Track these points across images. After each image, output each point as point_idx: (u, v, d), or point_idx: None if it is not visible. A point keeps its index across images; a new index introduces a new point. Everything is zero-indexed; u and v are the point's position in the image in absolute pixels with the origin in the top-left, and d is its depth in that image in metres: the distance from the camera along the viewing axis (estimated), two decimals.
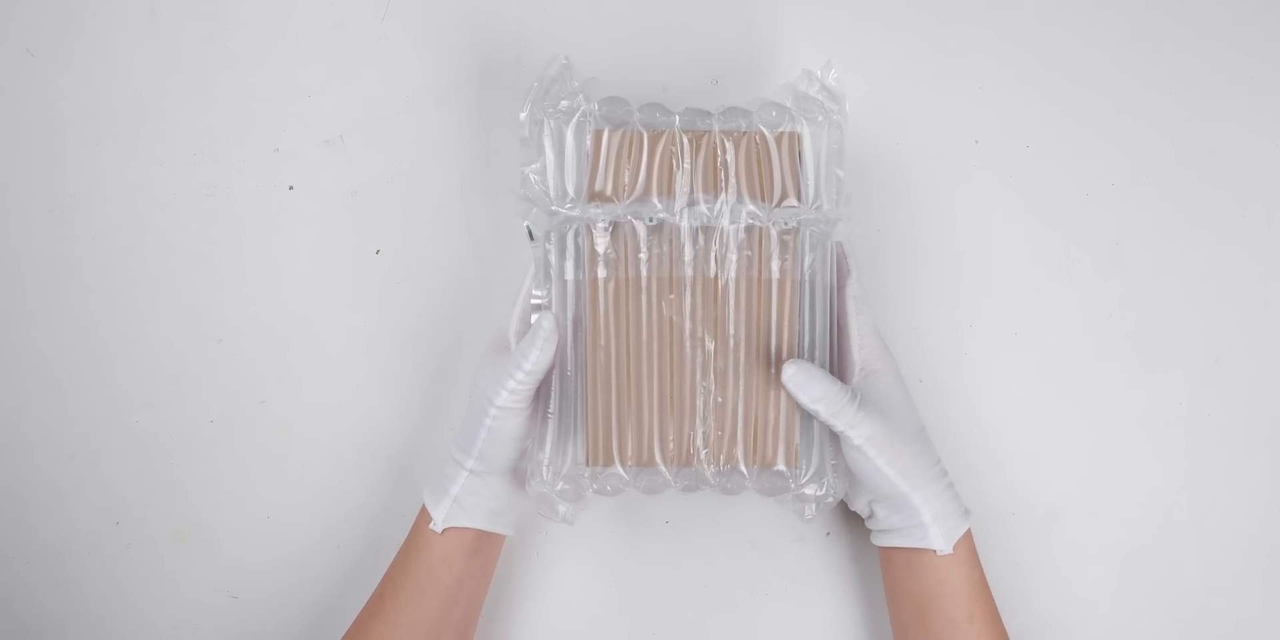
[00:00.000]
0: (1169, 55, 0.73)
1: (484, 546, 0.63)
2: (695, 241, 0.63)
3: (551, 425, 0.62)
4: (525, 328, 0.63)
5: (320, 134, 0.71)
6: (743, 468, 0.63)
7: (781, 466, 0.62)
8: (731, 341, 0.63)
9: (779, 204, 0.63)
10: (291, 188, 0.71)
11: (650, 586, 0.69)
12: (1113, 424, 0.71)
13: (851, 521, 0.70)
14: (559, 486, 0.62)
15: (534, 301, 0.63)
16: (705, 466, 0.63)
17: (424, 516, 0.62)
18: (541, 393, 0.62)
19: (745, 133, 0.63)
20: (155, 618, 0.69)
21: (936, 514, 0.60)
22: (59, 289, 0.70)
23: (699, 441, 0.63)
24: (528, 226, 0.63)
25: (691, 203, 0.62)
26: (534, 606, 0.69)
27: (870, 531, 0.64)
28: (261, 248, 0.70)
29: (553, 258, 0.63)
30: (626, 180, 0.62)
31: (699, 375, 0.63)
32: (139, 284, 0.70)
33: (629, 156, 0.63)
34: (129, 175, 0.70)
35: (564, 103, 0.63)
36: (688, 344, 0.63)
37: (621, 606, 0.69)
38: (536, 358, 0.59)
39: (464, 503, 0.61)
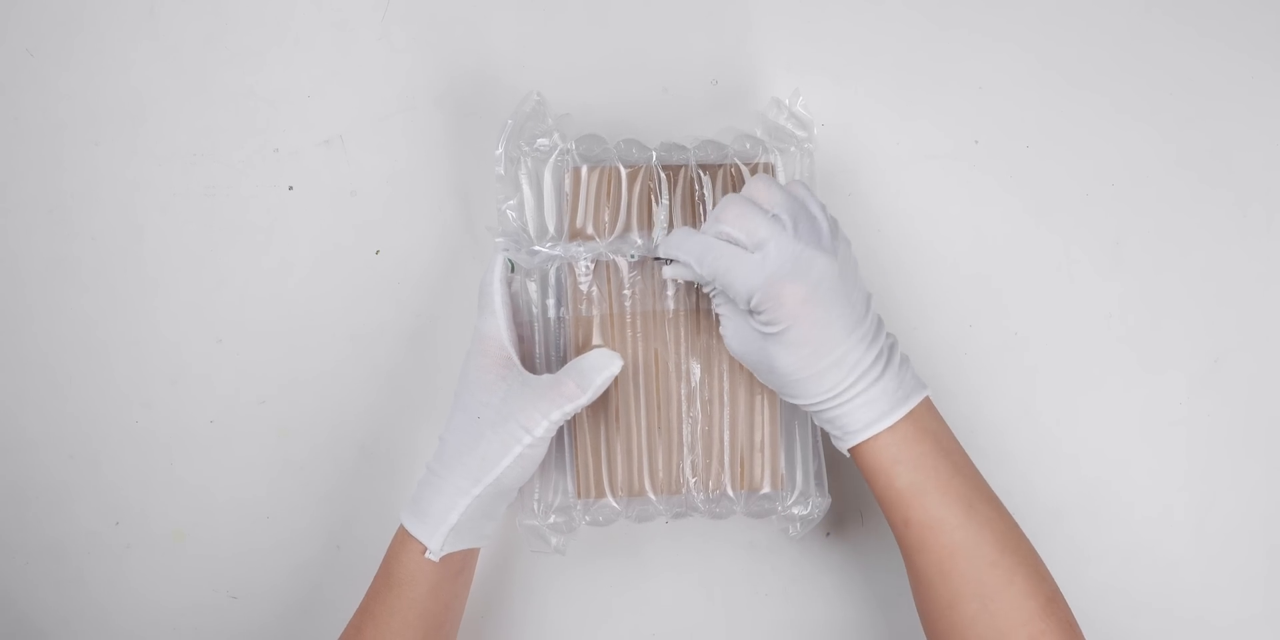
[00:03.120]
0: (1169, 55, 0.72)
1: (469, 561, 0.62)
2: None
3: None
4: (513, 334, 0.62)
5: (320, 134, 0.71)
6: (730, 493, 0.64)
7: (768, 489, 0.64)
8: (715, 371, 0.63)
9: None
10: (291, 188, 0.70)
11: (650, 586, 0.69)
12: (1112, 424, 0.71)
13: (850, 522, 0.70)
14: (550, 519, 0.63)
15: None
16: (695, 494, 0.64)
17: (407, 544, 0.59)
18: None
19: (721, 165, 0.64)
20: (155, 618, 0.69)
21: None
22: (58, 289, 0.70)
23: (687, 470, 0.63)
24: (508, 258, 0.62)
25: None
26: (533, 607, 0.69)
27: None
28: (261, 248, 0.70)
29: (534, 294, 0.63)
30: (607, 218, 0.63)
31: (685, 405, 0.63)
32: (138, 284, 0.70)
33: (608, 194, 0.63)
34: (128, 175, 0.70)
35: (541, 141, 0.63)
36: (672, 375, 0.63)
37: (621, 606, 0.69)
38: (594, 395, 0.59)
39: (461, 528, 0.59)
